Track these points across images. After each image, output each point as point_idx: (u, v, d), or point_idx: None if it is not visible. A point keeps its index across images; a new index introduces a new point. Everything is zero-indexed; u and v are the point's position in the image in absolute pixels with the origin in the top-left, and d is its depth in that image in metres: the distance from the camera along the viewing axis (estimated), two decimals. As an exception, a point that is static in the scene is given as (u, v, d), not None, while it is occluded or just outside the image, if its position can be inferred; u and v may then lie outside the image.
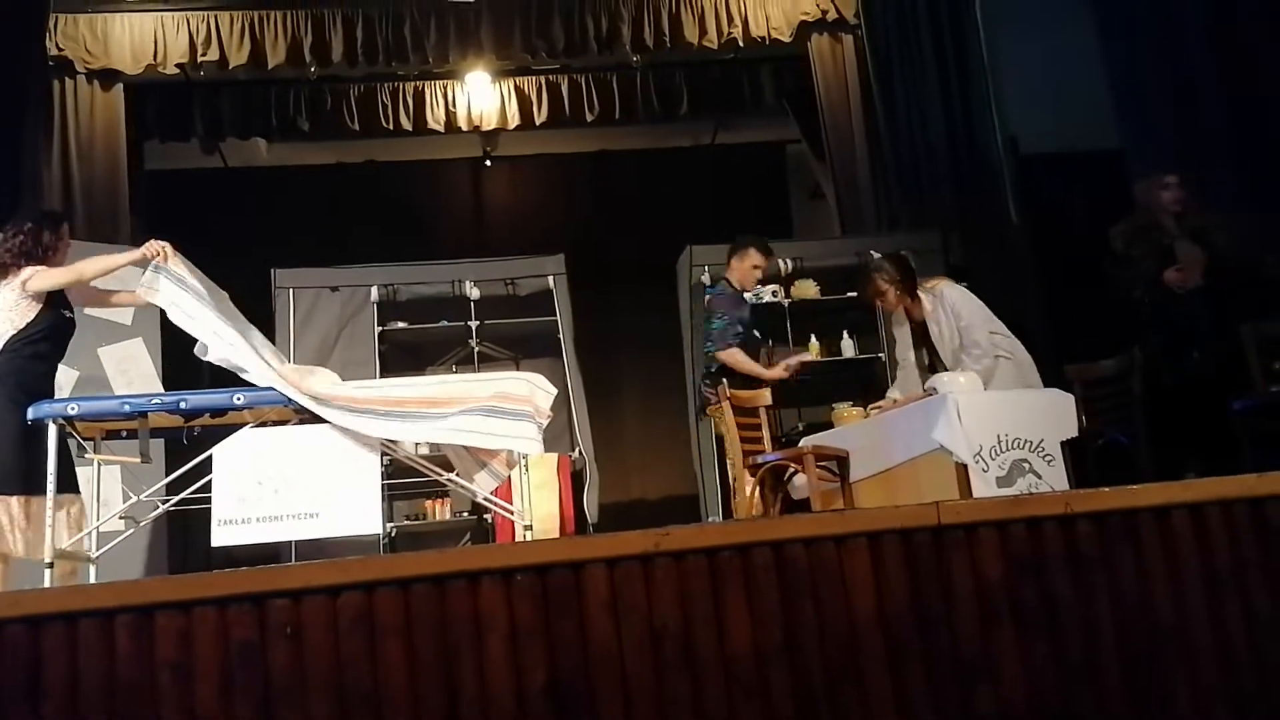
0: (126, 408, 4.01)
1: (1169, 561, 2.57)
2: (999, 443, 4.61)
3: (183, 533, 6.23)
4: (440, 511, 6.66)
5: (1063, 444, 4.71)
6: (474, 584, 2.29)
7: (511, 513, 4.63)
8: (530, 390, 4.32)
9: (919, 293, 5.25)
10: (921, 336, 5.32)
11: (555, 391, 4.43)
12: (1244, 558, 2.60)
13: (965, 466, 4.52)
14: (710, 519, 6.33)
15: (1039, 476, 4.62)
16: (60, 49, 7.20)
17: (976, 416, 4.61)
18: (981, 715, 2.45)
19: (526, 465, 4.65)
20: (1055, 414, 4.74)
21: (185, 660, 2.20)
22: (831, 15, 7.75)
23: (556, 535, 5.93)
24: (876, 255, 5.90)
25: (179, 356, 6.78)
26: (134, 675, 2.19)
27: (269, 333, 6.64)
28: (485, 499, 4.60)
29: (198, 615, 2.21)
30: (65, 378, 5.94)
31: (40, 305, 4.15)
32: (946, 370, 5.13)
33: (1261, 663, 2.54)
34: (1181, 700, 2.50)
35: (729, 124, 8.97)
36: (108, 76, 7.38)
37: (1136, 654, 2.52)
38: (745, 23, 7.69)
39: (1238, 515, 2.61)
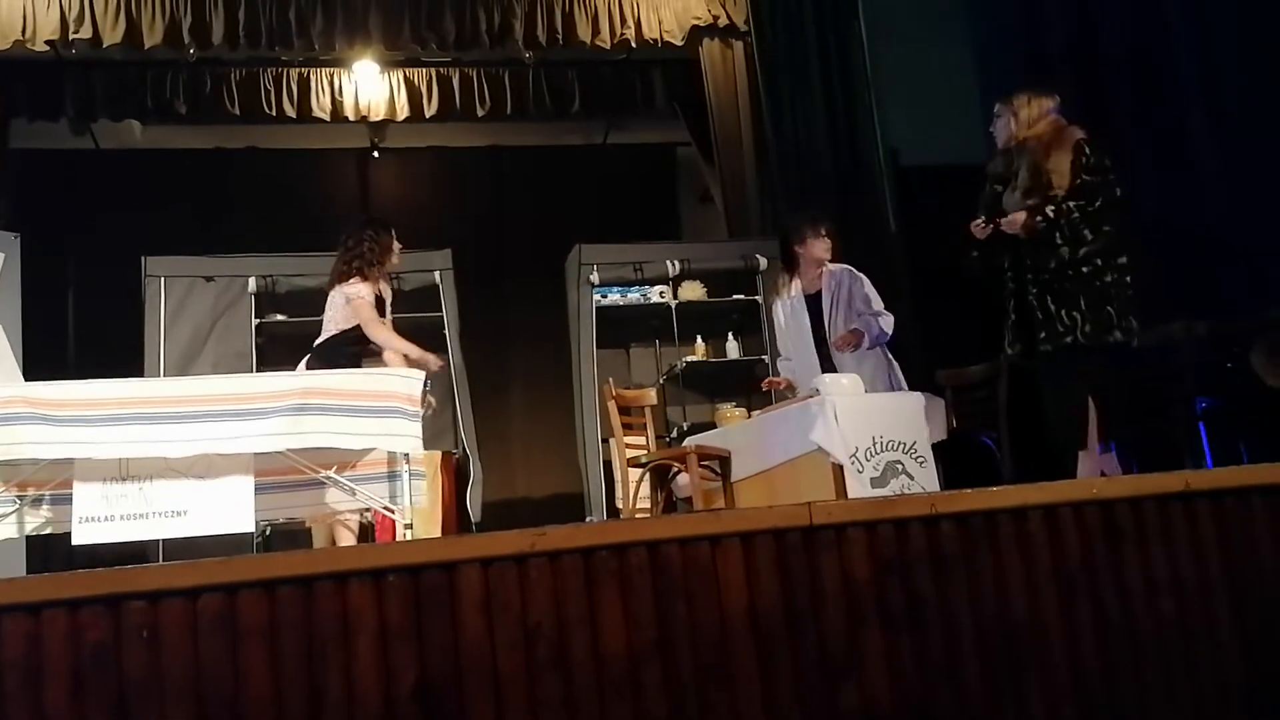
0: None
1: (1025, 562, 2.66)
2: (874, 444, 4.74)
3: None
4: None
5: (934, 446, 4.87)
6: (342, 585, 2.24)
7: (391, 511, 4.55)
8: (398, 384, 4.23)
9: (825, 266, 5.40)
10: (811, 306, 5.44)
11: (422, 375, 4.36)
12: (1094, 560, 2.70)
13: (841, 467, 4.63)
14: (590, 518, 6.34)
15: (911, 478, 4.77)
16: (-80, 20, 6.82)
17: (853, 419, 4.73)
18: (846, 712, 2.50)
19: (408, 462, 4.57)
20: (928, 417, 4.91)
21: (34, 662, 2.11)
22: (723, 21, 7.84)
23: (439, 534, 5.86)
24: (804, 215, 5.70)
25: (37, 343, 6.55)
26: (-22, 678, 2.09)
27: (139, 323, 6.41)
28: (363, 496, 4.51)
29: (47, 617, 2.12)
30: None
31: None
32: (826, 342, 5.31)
33: (1109, 665, 2.64)
34: (1034, 700, 2.59)
35: (621, 124, 9.00)
36: (-29, 51, 7.01)
37: (994, 653, 2.60)
38: (638, 24, 7.73)
39: (1088, 517, 2.71)
